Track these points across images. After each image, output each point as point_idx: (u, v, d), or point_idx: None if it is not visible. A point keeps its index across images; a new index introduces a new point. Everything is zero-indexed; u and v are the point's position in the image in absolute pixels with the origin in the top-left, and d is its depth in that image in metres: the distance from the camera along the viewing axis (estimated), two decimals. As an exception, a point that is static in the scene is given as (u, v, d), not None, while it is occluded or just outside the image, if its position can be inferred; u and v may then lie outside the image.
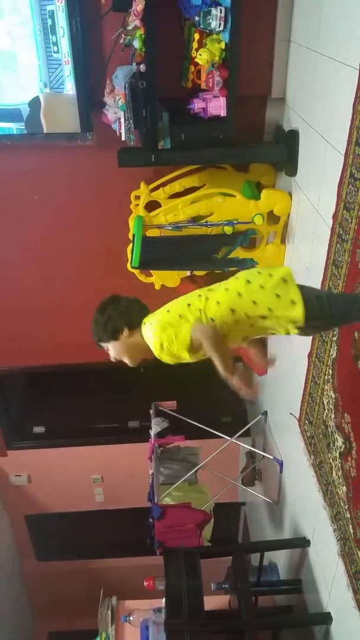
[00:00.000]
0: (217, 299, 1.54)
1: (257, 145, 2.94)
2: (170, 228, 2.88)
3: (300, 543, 2.97)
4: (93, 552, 5.33)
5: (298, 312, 1.48)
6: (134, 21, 2.42)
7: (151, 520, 3.41)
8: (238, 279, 1.58)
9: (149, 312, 1.66)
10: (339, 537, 2.36)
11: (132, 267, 2.98)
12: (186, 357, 1.54)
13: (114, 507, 4.75)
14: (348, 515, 2.24)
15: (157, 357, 1.58)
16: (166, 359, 1.57)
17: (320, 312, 1.52)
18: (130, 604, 3.54)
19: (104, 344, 1.68)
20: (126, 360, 1.71)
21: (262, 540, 4.14)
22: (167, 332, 1.51)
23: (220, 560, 3.27)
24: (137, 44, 2.46)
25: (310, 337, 2.57)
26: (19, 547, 5.20)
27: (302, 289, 1.52)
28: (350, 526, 2.22)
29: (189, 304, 1.56)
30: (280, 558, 3.48)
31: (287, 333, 1.57)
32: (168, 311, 1.59)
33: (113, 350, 1.69)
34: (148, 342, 1.59)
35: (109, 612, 3.51)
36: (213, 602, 3.19)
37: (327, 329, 2.07)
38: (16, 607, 5.25)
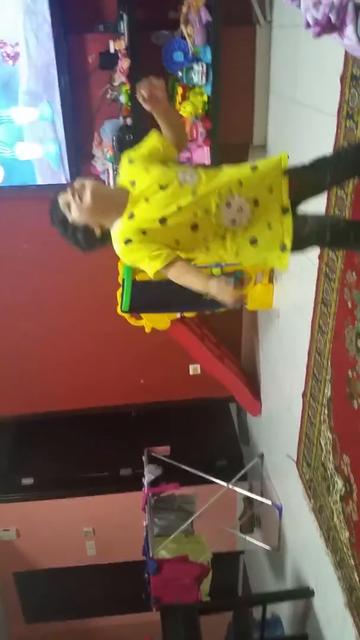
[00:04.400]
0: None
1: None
2: (159, 272, 2.91)
3: (304, 593, 2.85)
4: (86, 610, 5.06)
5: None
6: (120, 77, 2.55)
7: (146, 575, 3.27)
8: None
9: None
10: (344, 586, 2.27)
11: (122, 311, 2.98)
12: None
13: (107, 561, 4.55)
14: (352, 562, 2.17)
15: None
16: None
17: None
18: (127, 668, 3.34)
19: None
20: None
21: (263, 591, 3.98)
22: (136, 254, 1.50)
23: (221, 615, 3.12)
24: (123, 98, 2.58)
25: (304, 376, 2.56)
26: (6, 609, 4.92)
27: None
28: (356, 574, 2.14)
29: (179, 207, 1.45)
30: (284, 611, 3.33)
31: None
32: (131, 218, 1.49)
33: None
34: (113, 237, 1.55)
35: None
36: (215, 662, 3.02)
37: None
38: None
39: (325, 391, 2.32)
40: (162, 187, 1.47)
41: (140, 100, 1.47)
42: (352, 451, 2.12)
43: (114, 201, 1.51)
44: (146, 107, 1.48)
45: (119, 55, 2.50)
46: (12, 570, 4.68)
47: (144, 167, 1.51)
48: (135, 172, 1.52)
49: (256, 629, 3.14)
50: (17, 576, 4.73)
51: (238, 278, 2.96)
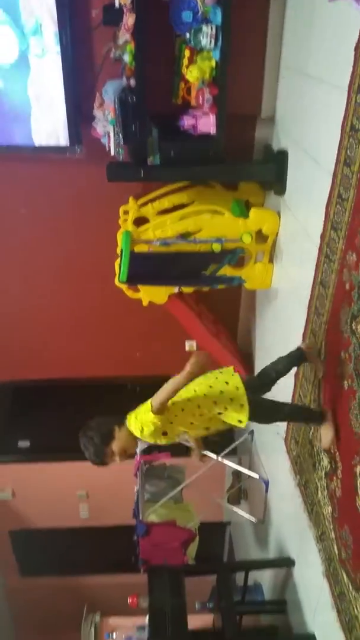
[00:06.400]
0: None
1: (246, 164, 2.95)
2: (158, 244, 2.86)
3: (285, 563, 2.95)
4: (77, 568, 5.23)
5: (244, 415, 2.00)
6: (124, 35, 2.41)
7: (136, 537, 3.37)
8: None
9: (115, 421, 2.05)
10: (324, 557, 2.34)
11: (119, 281, 2.96)
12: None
13: (99, 523, 4.68)
14: (333, 535, 2.22)
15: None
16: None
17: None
18: (114, 621, 3.49)
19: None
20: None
21: (247, 559, 4.10)
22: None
23: (204, 579, 3.23)
24: (127, 58, 2.45)
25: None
26: (2, 563, 5.10)
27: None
28: (335, 547, 2.20)
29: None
30: (265, 578, 3.44)
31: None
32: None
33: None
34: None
35: (92, 629, 3.46)
36: (197, 621, 3.14)
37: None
38: (-2, 624, 5.15)
39: (317, 371, 2.32)
40: None
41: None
42: (339, 429, 2.14)
43: None
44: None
45: (124, 10, 2.38)
46: (8, 529, 4.82)
47: None
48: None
49: (238, 593, 3.26)
50: (12, 534, 4.87)
51: (237, 255, 2.92)
